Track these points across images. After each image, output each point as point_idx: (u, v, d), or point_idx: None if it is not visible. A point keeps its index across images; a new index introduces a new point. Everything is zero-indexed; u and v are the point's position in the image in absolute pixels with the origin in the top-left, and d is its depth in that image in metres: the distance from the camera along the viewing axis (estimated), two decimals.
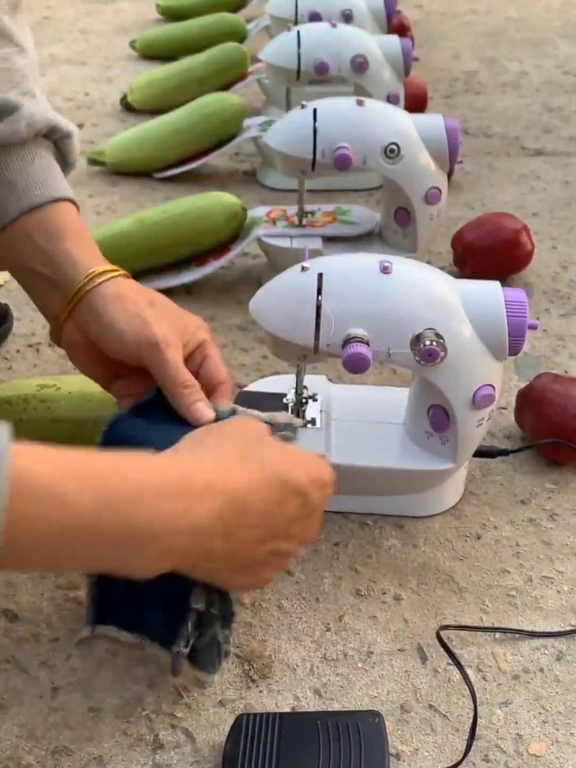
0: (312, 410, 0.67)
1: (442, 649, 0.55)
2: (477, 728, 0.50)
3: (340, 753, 0.48)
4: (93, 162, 1.16)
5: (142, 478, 0.43)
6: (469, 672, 0.55)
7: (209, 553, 0.45)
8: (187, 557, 0.45)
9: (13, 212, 0.57)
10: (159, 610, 0.50)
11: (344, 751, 0.48)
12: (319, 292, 0.56)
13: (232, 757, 0.48)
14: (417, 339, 0.56)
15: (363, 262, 0.59)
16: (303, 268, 0.58)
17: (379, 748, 0.49)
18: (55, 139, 0.60)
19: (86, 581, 0.53)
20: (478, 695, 0.53)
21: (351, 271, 0.58)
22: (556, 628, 0.57)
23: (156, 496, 0.42)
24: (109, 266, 0.58)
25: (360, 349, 0.55)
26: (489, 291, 0.59)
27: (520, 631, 0.57)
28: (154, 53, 1.54)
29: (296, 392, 0.66)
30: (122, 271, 0.58)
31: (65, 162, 0.62)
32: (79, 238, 0.58)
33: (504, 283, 0.93)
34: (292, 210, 0.93)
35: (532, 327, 0.58)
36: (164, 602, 0.50)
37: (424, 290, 0.58)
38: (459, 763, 0.49)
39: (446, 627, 0.57)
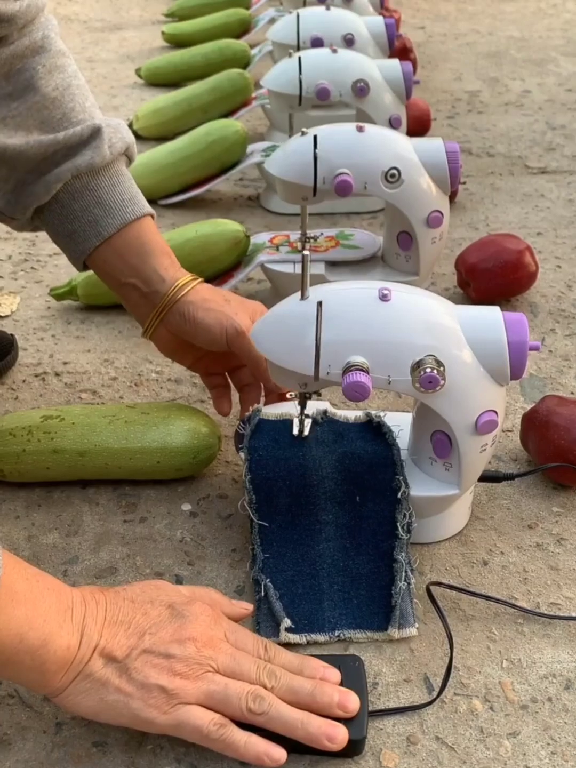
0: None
1: (449, 680, 0.54)
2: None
3: None
4: None
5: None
6: (476, 703, 0.54)
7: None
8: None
9: (108, 231, 0.66)
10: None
11: None
12: (318, 320, 0.57)
13: None
14: (417, 366, 0.56)
15: (362, 290, 0.59)
16: (302, 297, 0.58)
17: (360, 688, 0.52)
18: (127, 153, 0.69)
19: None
20: (484, 727, 0.52)
21: (350, 299, 0.58)
22: (565, 658, 0.57)
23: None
24: (189, 276, 0.69)
25: (360, 377, 0.55)
26: (489, 316, 0.58)
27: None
28: (159, 80, 1.56)
29: (298, 419, 0.66)
30: (199, 278, 0.70)
31: (130, 162, 0.71)
32: (163, 253, 0.69)
33: (509, 303, 0.94)
34: (295, 235, 0.93)
35: (534, 348, 0.58)
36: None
37: (424, 317, 0.58)
38: None
39: (438, 583, 0.60)
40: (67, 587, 0.50)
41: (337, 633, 0.58)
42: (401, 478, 0.62)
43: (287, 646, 0.57)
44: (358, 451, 0.64)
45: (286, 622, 0.57)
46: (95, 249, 0.67)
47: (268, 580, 0.60)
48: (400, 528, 0.61)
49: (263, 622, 0.58)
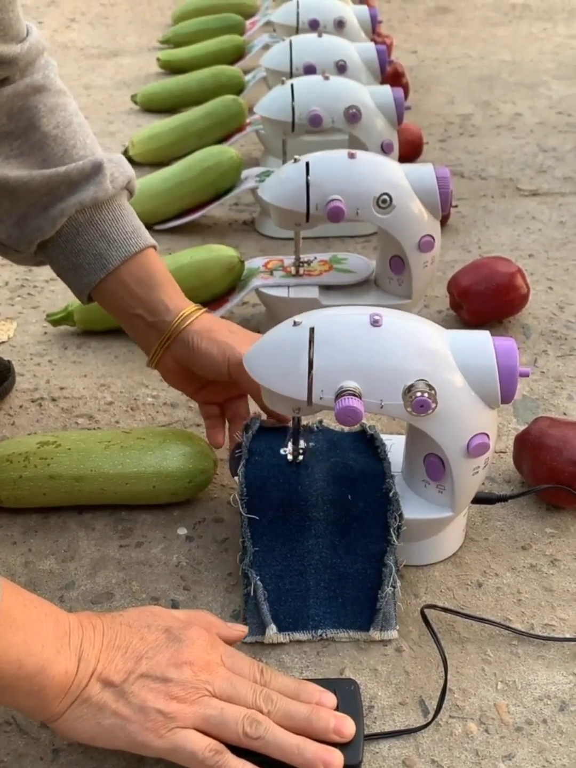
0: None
1: (444, 703, 0.55)
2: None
3: None
4: None
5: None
6: (471, 725, 0.54)
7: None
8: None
9: (113, 264, 0.68)
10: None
11: None
12: (311, 346, 0.57)
13: None
14: (408, 390, 0.57)
15: (353, 315, 0.60)
16: (295, 323, 0.59)
17: (356, 712, 0.52)
18: (128, 186, 0.70)
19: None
20: (479, 749, 0.52)
21: (342, 325, 0.59)
22: (559, 679, 0.57)
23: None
24: (193, 306, 0.71)
25: (352, 402, 0.56)
26: (479, 340, 0.59)
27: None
28: (155, 106, 1.57)
29: (292, 441, 0.66)
30: (203, 309, 0.71)
31: (131, 196, 0.72)
32: (167, 283, 0.70)
33: (501, 325, 0.94)
34: (289, 260, 0.94)
35: (524, 374, 0.59)
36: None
37: (415, 342, 0.59)
38: None
39: (432, 606, 0.61)
40: (64, 613, 0.50)
41: (319, 632, 0.59)
42: (391, 481, 0.63)
43: (271, 645, 0.58)
44: (349, 461, 0.66)
45: (272, 628, 0.59)
46: (100, 281, 0.68)
47: (257, 577, 0.61)
48: (391, 532, 0.61)
49: (250, 619, 0.60)
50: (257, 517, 0.63)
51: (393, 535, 0.61)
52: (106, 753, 0.53)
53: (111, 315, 0.72)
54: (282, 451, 0.67)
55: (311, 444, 0.68)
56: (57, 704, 0.48)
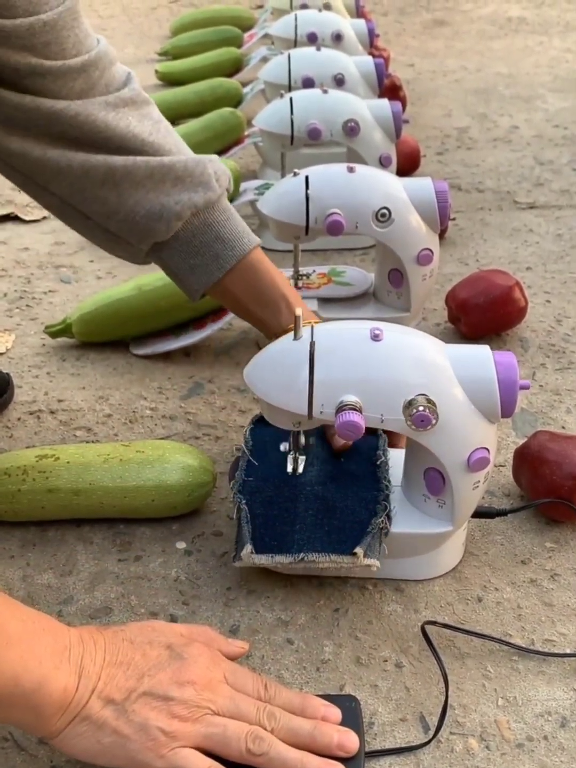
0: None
1: (445, 719, 0.54)
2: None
3: None
4: None
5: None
6: (472, 742, 0.54)
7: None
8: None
9: (230, 263, 0.71)
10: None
11: None
12: (311, 360, 0.57)
13: None
14: (409, 405, 0.57)
15: (354, 330, 0.60)
16: (295, 337, 0.59)
17: (357, 728, 0.52)
18: (228, 185, 0.73)
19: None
20: (480, 766, 0.52)
21: (342, 339, 0.59)
22: (560, 695, 0.57)
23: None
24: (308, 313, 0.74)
25: (353, 416, 0.56)
26: (479, 355, 0.59)
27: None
28: None
29: (292, 456, 0.66)
30: (317, 320, 0.73)
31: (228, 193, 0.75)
32: (282, 284, 0.74)
33: (499, 338, 0.95)
34: (288, 272, 0.95)
35: (524, 387, 0.59)
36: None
37: (415, 356, 0.59)
38: None
39: (432, 622, 0.61)
40: (64, 627, 0.50)
41: (301, 555, 0.60)
42: (382, 452, 0.67)
43: (271, 660, 0.58)
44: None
45: (248, 547, 0.60)
46: (217, 281, 0.72)
47: (244, 501, 0.63)
48: (383, 482, 0.65)
49: (237, 544, 0.62)
50: (257, 462, 0.67)
51: (384, 481, 0.65)
52: None
53: (224, 306, 0.77)
54: (282, 447, 0.67)
55: (311, 453, 0.68)
56: (55, 721, 0.47)
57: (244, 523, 0.62)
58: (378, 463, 0.67)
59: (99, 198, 0.69)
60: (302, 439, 0.67)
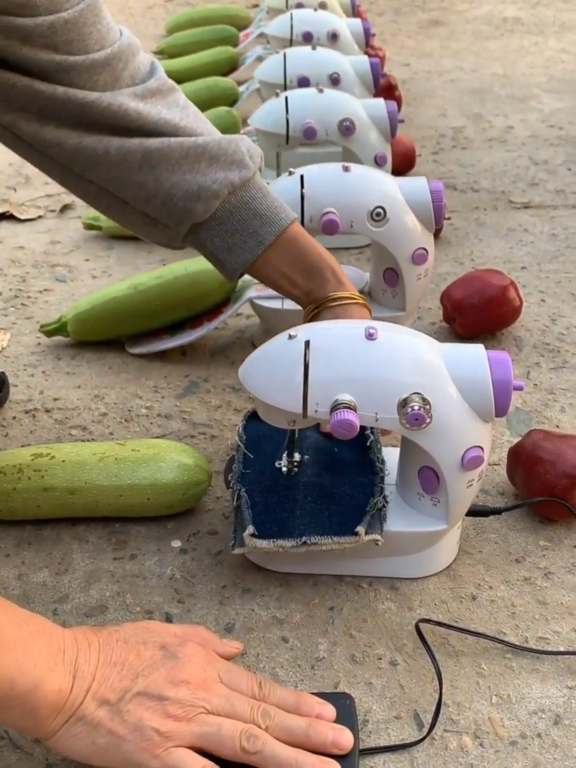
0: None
1: (439, 717, 0.55)
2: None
3: None
4: (89, 227, 1.18)
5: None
6: (466, 739, 0.54)
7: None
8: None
9: (268, 239, 0.71)
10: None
11: None
12: (306, 359, 0.58)
13: None
14: (403, 404, 0.57)
15: (349, 329, 0.60)
16: (290, 336, 0.59)
17: (351, 725, 0.52)
18: (261, 162, 0.73)
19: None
20: (474, 763, 0.52)
21: (337, 338, 0.59)
22: (554, 693, 0.57)
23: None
24: (346, 293, 0.73)
25: (348, 415, 0.56)
26: (473, 354, 0.60)
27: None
28: None
29: (287, 455, 0.66)
30: (359, 299, 0.73)
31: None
32: (324, 254, 0.74)
33: (494, 338, 0.95)
34: None
35: (518, 388, 0.59)
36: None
37: (409, 355, 0.59)
38: None
39: (427, 620, 0.61)
40: (58, 628, 0.50)
41: (303, 538, 0.61)
42: (370, 431, 0.69)
43: (266, 659, 0.57)
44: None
45: (250, 528, 0.60)
46: (256, 258, 0.72)
47: (243, 489, 0.64)
48: (376, 462, 0.67)
49: (237, 532, 0.63)
50: (252, 455, 0.68)
51: (378, 464, 0.66)
52: None
53: (264, 283, 0.76)
54: (277, 464, 0.67)
55: (306, 457, 0.68)
56: (51, 722, 0.47)
57: (244, 508, 0.62)
58: (368, 444, 0.68)
59: (136, 182, 0.69)
60: (297, 456, 0.67)
